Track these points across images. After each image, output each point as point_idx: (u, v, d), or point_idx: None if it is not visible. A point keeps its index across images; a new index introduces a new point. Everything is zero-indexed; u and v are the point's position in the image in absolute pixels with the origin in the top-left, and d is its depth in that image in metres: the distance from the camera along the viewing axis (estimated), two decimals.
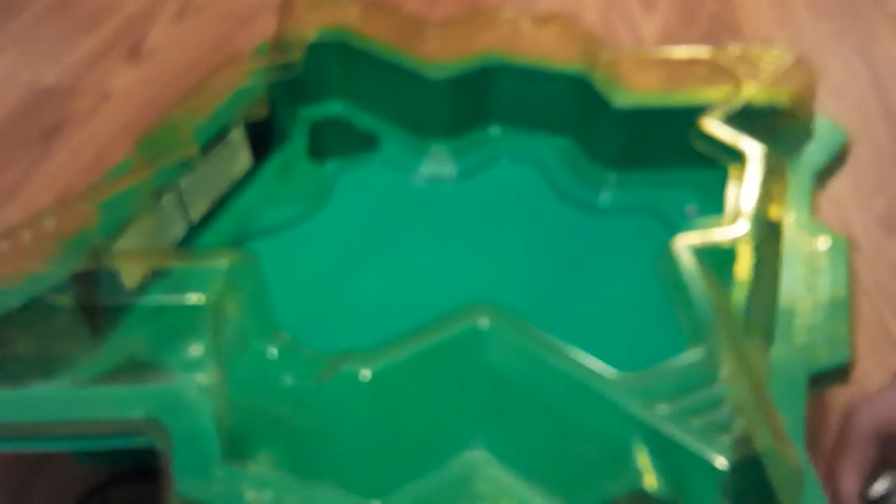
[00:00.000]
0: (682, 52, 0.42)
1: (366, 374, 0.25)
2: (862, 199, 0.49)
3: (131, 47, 0.66)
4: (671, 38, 0.66)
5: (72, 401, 0.27)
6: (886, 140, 0.53)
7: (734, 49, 0.41)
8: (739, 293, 0.29)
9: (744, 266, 0.30)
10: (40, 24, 0.70)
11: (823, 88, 0.58)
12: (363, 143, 0.47)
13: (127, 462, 0.33)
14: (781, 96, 0.38)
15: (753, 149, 0.34)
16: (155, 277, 0.29)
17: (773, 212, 0.33)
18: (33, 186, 0.51)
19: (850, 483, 0.28)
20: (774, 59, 0.40)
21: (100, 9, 0.72)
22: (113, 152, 0.54)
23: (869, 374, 0.38)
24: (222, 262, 0.28)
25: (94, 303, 0.28)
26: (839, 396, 0.37)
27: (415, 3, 0.70)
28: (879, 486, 0.29)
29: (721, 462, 0.23)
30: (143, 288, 0.30)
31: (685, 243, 0.30)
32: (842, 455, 0.28)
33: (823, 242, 0.33)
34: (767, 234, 0.31)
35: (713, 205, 0.41)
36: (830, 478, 0.29)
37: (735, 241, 0.30)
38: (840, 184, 0.50)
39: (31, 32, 0.68)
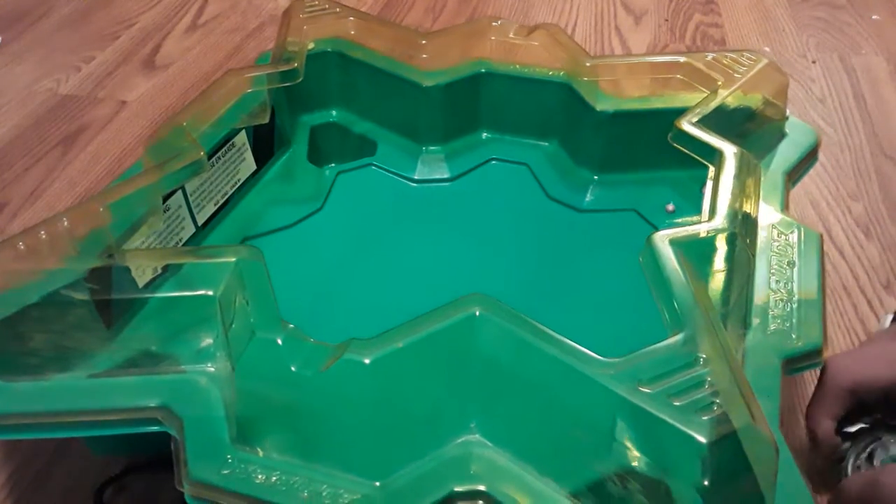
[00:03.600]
0: (660, 58, 0.42)
1: (366, 360, 0.25)
2: (842, 202, 0.49)
3: (146, 58, 0.66)
4: (659, 48, 0.66)
5: (88, 391, 0.27)
6: (866, 146, 0.53)
7: (711, 55, 0.41)
8: (716, 283, 0.29)
9: (720, 258, 0.30)
10: (59, 35, 0.69)
11: (807, 96, 0.58)
12: (360, 147, 0.47)
13: (141, 452, 0.33)
14: (755, 98, 0.38)
15: (729, 148, 0.34)
16: (165, 273, 0.28)
17: (748, 207, 0.33)
18: (53, 191, 0.51)
19: (825, 427, 0.30)
20: (748, 63, 0.40)
21: (115, 21, 0.72)
22: (129, 158, 0.54)
23: None
24: (229, 258, 0.28)
25: (107, 298, 0.28)
26: (813, 384, 0.37)
27: (416, 16, 0.70)
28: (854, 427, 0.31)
29: (701, 440, 0.23)
30: (154, 283, 0.30)
31: (665, 237, 0.30)
32: (818, 402, 0.30)
33: (795, 235, 0.33)
34: (742, 228, 0.31)
35: (691, 202, 0.41)
36: (809, 422, 0.31)
37: (711, 235, 0.30)
38: (821, 187, 0.50)
39: (51, 43, 0.68)
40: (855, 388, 0.30)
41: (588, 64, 0.42)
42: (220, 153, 0.39)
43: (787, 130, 0.39)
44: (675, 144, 0.36)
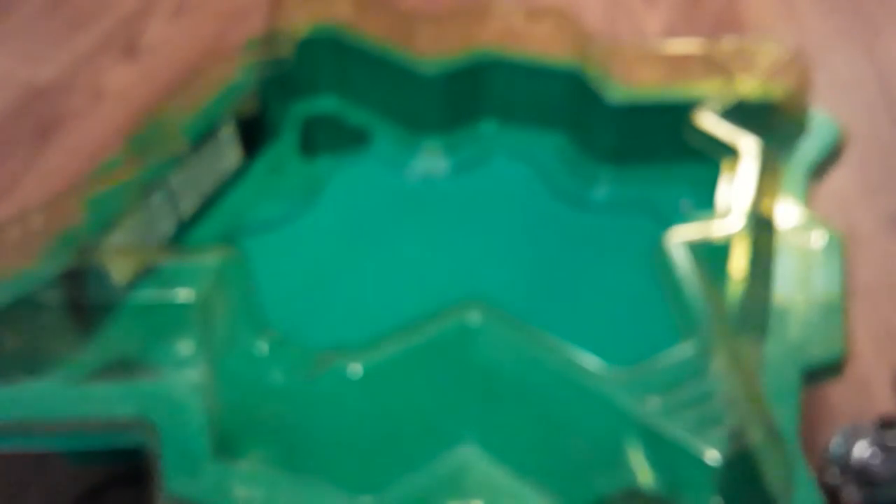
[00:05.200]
0: (676, 46, 0.42)
1: (357, 369, 0.25)
2: (867, 196, 0.48)
3: (127, 45, 0.66)
4: (674, 33, 0.65)
5: (60, 399, 0.26)
6: (891, 138, 0.53)
7: (729, 43, 0.41)
8: (733, 288, 0.29)
9: (737, 261, 0.30)
10: (34, 21, 0.69)
11: (828, 86, 0.57)
12: (355, 139, 0.47)
13: (122, 463, 0.33)
14: (776, 90, 0.38)
15: (747, 143, 0.34)
16: (144, 275, 0.28)
17: (767, 207, 0.33)
18: (27, 186, 0.51)
19: None
20: (769, 52, 0.40)
21: (95, 6, 0.71)
22: (108, 151, 0.53)
23: (872, 371, 0.38)
24: (211, 259, 0.28)
25: (82, 300, 0.28)
26: (838, 394, 0.37)
27: None
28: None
29: (713, 456, 0.23)
30: (132, 285, 0.30)
31: (678, 238, 0.30)
32: None
33: (818, 237, 0.33)
34: (761, 229, 0.31)
35: (708, 200, 0.41)
36: None
37: (729, 236, 0.30)
38: (845, 182, 0.49)
39: (26, 30, 0.68)
40: None
41: (598, 51, 0.42)
42: (204, 145, 0.39)
43: (809, 124, 0.39)
44: (690, 139, 0.36)
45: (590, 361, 0.25)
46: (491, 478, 0.25)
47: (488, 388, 0.26)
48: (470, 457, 0.25)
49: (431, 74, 0.44)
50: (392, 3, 0.47)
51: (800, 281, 0.31)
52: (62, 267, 0.28)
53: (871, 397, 0.37)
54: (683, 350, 0.26)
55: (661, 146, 0.41)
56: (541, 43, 0.44)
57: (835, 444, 0.31)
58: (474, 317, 0.26)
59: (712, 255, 0.29)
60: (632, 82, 0.42)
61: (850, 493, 0.29)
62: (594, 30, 0.58)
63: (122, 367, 0.27)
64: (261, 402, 0.26)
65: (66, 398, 0.26)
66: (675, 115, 0.38)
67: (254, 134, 0.43)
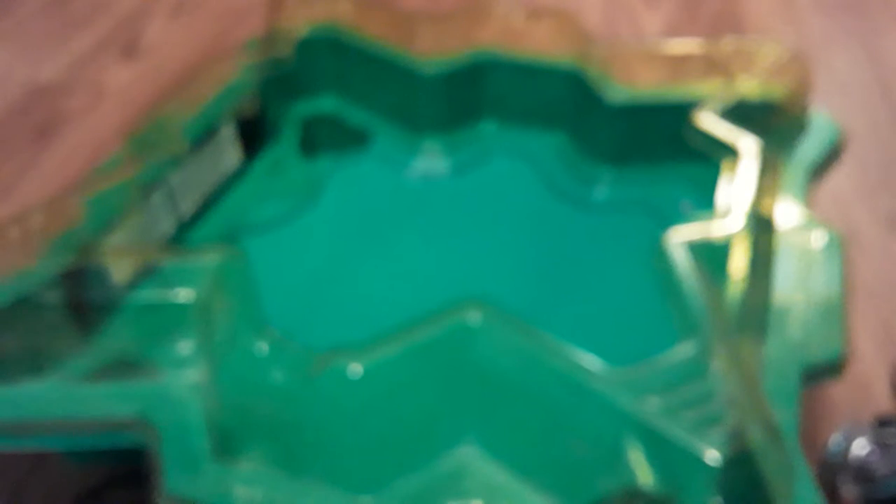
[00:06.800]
0: (676, 46, 0.42)
1: (357, 369, 0.25)
2: (867, 197, 0.48)
3: (127, 44, 0.66)
4: (674, 34, 0.65)
5: (59, 398, 0.26)
6: (892, 137, 0.53)
7: (729, 43, 0.41)
8: (733, 288, 0.29)
9: (737, 261, 0.30)
10: (34, 20, 0.69)
11: (828, 85, 0.57)
12: (355, 139, 0.47)
13: (122, 463, 0.33)
14: (776, 91, 0.38)
15: (747, 143, 0.34)
16: (144, 274, 0.28)
17: (767, 207, 0.33)
18: (27, 186, 0.51)
19: None
20: (769, 52, 0.40)
21: (95, 5, 0.71)
22: (108, 151, 0.53)
23: (872, 372, 0.38)
24: (211, 259, 0.28)
25: (82, 300, 0.28)
26: (839, 393, 0.37)
27: None
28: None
29: (713, 456, 0.23)
30: (132, 285, 0.30)
31: (678, 238, 0.30)
32: None
33: (818, 237, 0.33)
34: (761, 229, 0.31)
35: (708, 200, 0.41)
36: None
37: (729, 236, 0.30)
38: (845, 182, 0.49)
39: (25, 29, 0.68)
40: None
41: (598, 51, 0.42)
42: (205, 145, 0.39)
43: (809, 124, 0.39)
44: (690, 139, 0.36)
45: (590, 361, 0.25)
46: (491, 478, 0.25)
47: (488, 388, 0.26)
48: (470, 457, 0.25)
49: (431, 74, 0.44)
50: (392, 3, 0.47)
51: (800, 281, 0.31)
52: (62, 267, 0.28)
53: (871, 397, 0.37)
54: (683, 350, 0.26)
55: (661, 146, 0.41)
56: (541, 43, 0.44)
57: (833, 441, 0.31)
58: (474, 317, 0.26)
59: (712, 255, 0.29)
60: (632, 82, 0.42)
61: (849, 490, 0.29)
62: (594, 30, 0.58)
63: (122, 367, 0.27)
64: (261, 402, 0.26)
65: (66, 398, 0.26)
66: (675, 115, 0.38)
67: (254, 134, 0.43)
